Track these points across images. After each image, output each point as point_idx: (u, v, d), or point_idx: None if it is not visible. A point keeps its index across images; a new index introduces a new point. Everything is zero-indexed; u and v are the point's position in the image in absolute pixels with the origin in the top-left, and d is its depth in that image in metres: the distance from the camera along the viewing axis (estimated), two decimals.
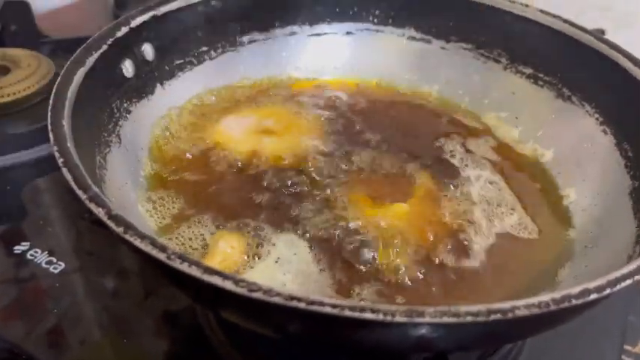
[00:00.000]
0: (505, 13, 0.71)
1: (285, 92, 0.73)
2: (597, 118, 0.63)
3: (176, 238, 0.52)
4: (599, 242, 0.52)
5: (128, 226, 0.36)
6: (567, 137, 0.65)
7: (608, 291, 0.34)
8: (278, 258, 0.49)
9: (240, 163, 0.60)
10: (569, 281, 0.49)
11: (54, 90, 0.49)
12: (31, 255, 0.63)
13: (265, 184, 0.57)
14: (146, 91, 0.64)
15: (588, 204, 0.58)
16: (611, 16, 1.06)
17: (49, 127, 0.44)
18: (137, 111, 0.62)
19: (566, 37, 0.66)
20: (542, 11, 0.69)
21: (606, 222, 0.54)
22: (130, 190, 0.55)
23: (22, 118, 0.82)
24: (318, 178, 0.59)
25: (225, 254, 0.47)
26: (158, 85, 0.66)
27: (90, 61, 0.54)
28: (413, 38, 0.78)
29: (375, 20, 0.78)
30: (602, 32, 0.93)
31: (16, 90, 0.85)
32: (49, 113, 0.45)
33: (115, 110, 0.59)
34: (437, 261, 0.51)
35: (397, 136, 0.67)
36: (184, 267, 0.33)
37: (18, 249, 0.64)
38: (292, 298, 0.32)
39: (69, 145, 0.43)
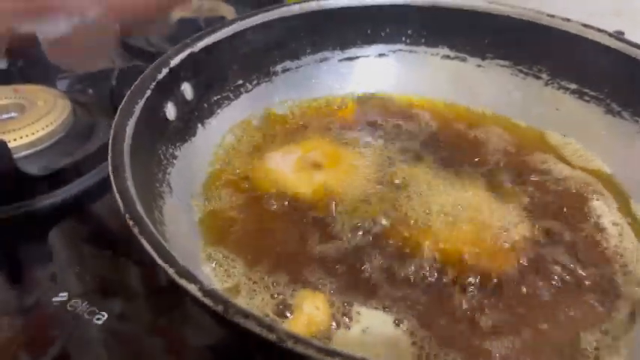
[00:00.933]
0: (544, 28, 0.70)
1: (324, 121, 0.71)
2: None
3: (246, 301, 0.49)
4: None
5: (227, 304, 0.34)
6: (623, 153, 0.63)
7: None
8: (366, 327, 0.46)
9: (296, 205, 0.57)
10: None
11: (110, 149, 0.46)
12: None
13: (334, 230, 0.55)
14: (189, 133, 0.62)
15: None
16: (625, 18, 1.05)
17: (117, 195, 0.41)
18: (182, 155, 0.59)
19: (612, 51, 0.65)
20: (585, 25, 0.67)
21: None
22: (189, 246, 0.52)
23: (39, 158, 0.79)
24: (389, 220, 0.56)
25: (310, 317, 0.45)
26: (199, 125, 0.63)
27: (137, 109, 0.52)
28: (447, 57, 0.76)
29: (408, 41, 0.76)
30: (622, 33, 0.93)
31: (34, 130, 0.82)
32: (113, 179, 0.42)
33: (162, 157, 0.56)
34: None
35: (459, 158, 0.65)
36: (306, 350, 0.31)
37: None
38: None
39: (140, 211, 0.41)
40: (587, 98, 0.68)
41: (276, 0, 1.06)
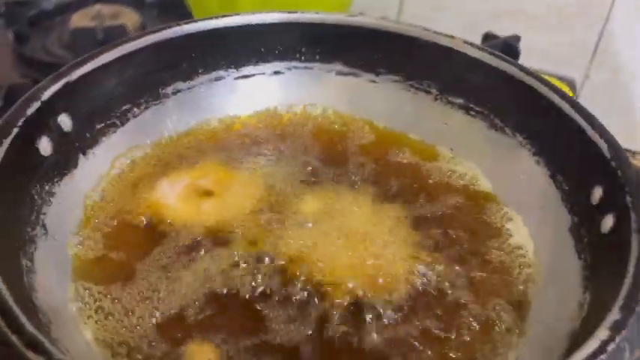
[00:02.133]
0: (430, 45, 0.71)
1: (218, 144, 0.70)
2: (529, 149, 0.65)
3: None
4: (547, 288, 0.54)
5: None
6: (504, 169, 0.66)
7: None
8: None
9: (184, 242, 0.56)
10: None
11: None
12: None
13: (217, 271, 0.54)
14: (68, 166, 0.59)
15: (532, 242, 0.59)
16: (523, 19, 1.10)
17: None
18: (61, 190, 0.57)
19: (492, 69, 0.67)
20: (467, 42, 0.69)
21: (552, 263, 0.56)
22: (62, 289, 0.50)
23: None
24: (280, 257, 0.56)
25: None
26: (80, 155, 0.61)
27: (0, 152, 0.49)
28: (341, 73, 0.76)
29: (303, 57, 0.76)
30: (518, 39, 0.97)
31: None
32: None
33: (36, 197, 0.54)
34: None
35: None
36: None
37: None
38: None
39: None
40: (472, 113, 0.70)
41: (182, 12, 1.04)
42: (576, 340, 0.43)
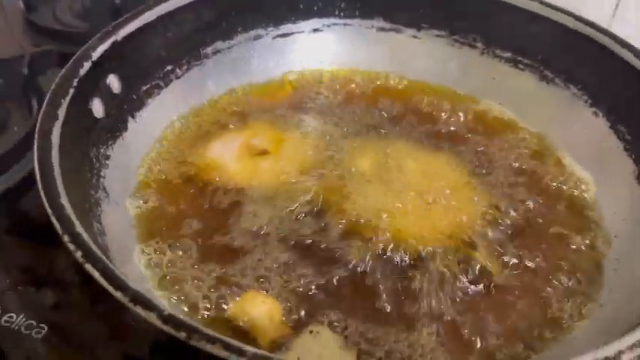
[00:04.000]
0: None
1: (263, 104, 0.68)
2: (585, 101, 0.64)
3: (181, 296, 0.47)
4: (621, 236, 0.53)
5: (190, 330, 0.32)
6: (558, 121, 0.65)
7: None
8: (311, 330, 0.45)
9: (237, 196, 0.55)
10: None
11: (37, 163, 0.42)
12: None
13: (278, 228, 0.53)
14: (119, 129, 0.57)
15: (599, 192, 0.58)
16: None
17: (54, 219, 0.37)
18: (115, 154, 0.55)
19: (543, 19, 0.66)
20: None
21: (621, 211, 0.55)
22: (127, 244, 0.49)
23: None
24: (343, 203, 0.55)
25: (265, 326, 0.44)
26: (130, 118, 0.59)
27: (61, 112, 0.47)
28: (382, 29, 0.74)
29: (342, 14, 0.74)
30: None
31: None
32: (46, 201, 0.38)
33: (94, 160, 0.52)
34: None
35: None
36: None
37: None
38: None
39: (79, 231, 0.37)
40: (521, 66, 0.69)
41: None
42: None
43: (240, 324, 0.45)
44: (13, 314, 0.54)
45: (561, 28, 0.64)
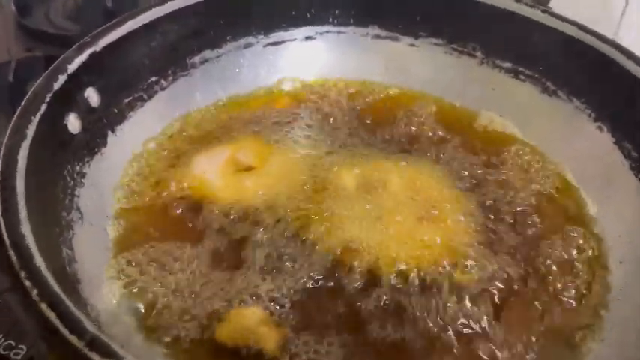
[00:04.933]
0: (475, 4, 0.66)
1: (251, 116, 0.65)
2: (589, 115, 0.60)
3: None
4: (624, 258, 0.50)
5: None
6: (560, 135, 0.62)
7: None
8: None
9: (228, 219, 0.53)
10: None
11: None
12: None
13: (260, 239, 0.50)
14: (97, 144, 0.55)
15: (601, 211, 0.55)
16: None
17: (10, 249, 0.35)
18: (92, 171, 0.53)
19: (546, 28, 0.63)
20: (518, 1, 0.64)
21: (625, 232, 0.52)
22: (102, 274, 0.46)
23: None
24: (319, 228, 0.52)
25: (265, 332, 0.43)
26: (109, 132, 0.56)
27: (31, 129, 0.45)
28: (378, 37, 0.71)
29: (336, 21, 0.71)
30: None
31: None
32: (4, 227, 0.36)
33: (68, 178, 0.49)
34: None
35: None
36: None
37: None
38: None
39: (38, 264, 0.35)
40: (522, 77, 0.66)
41: None
42: None
43: (236, 342, 0.43)
44: None
45: (564, 37, 0.61)
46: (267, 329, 0.43)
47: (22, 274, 0.34)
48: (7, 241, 0.35)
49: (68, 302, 0.32)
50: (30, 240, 0.36)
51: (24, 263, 0.34)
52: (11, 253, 0.35)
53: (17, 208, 0.38)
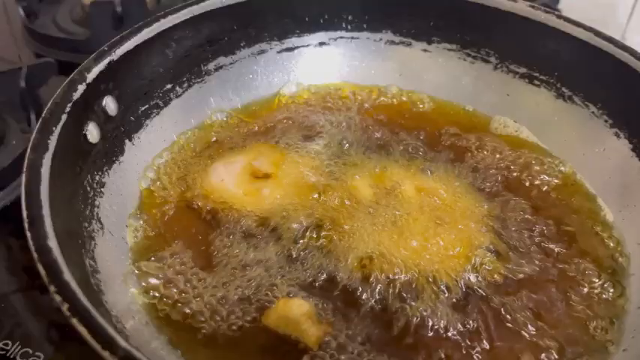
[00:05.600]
0: (491, 9, 0.66)
1: (266, 122, 0.66)
2: (606, 120, 0.60)
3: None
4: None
5: None
6: (576, 141, 0.62)
7: None
8: None
9: (246, 227, 0.53)
10: None
11: (24, 199, 0.39)
12: None
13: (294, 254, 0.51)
14: (115, 153, 0.55)
15: (619, 220, 0.55)
16: None
17: (40, 265, 0.35)
18: (111, 181, 0.53)
19: (560, 33, 0.62)
20: (533, 6, 0.64)
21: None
22: (126, 282, 0.46)
23: None
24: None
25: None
26: (127, 141, 0.56)
27: (52, 141, 0.45)
28: (392, 42, 0.71)
29: (349, 27, 0.71)
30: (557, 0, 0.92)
31: None
32: (32, 241, 0.36)
33: (88, 188, 0.49)
34: None
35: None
36: None
37: None
38: None
39: (67, 279, 0.35)
40: (537, 82, 0.66)
41: None
42: None
43: (280, 332, 0.44)
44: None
45: (579, 43, 0.61)
46: (311, 324, 0.44)
47: (52, 288, 0.34)
48: (35, 255, 0.35)
49: (100, 318, 0.32)
50: (57, 253, 0.36)
51: (53, 278, 0.34)
52: (40, 267, 0.35)
53: (43, 221, 0.38)
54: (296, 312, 0.44)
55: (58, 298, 0.33)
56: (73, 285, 0.34)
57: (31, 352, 0.52)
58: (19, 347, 0.58)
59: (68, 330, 0.31)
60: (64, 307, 0.33)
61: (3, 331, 0.51)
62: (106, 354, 0.31)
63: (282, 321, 0.44)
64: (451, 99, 0.70)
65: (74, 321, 0.32)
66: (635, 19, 1.01)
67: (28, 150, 0.43)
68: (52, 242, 0.37)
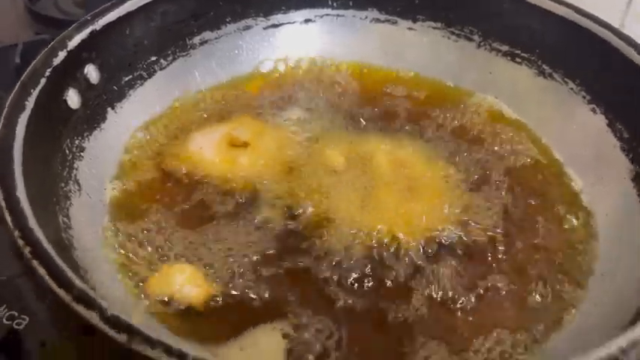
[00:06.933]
0: None
1: (248, 96, 0.67)
2: (584, 97, 0.61)
3: None
4: (612, 239, 0.51)
5: (132, 332, 0.31)
6: (554, 116, 0.62)
7: None
8: None
9: (220, 193, 0.54)
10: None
11: None
12: None
13: (257, 219, 0.52)
14: (97, 120, 0.56)
15: (591, 192, 0.56)
16: None
17: (4, 206, 0.36)
18: (91, 146, 0.54)
19: (542, 11, 0.63)
20: None
21: (614, 212, 0.53)
22: (97, 243, 0.48)
23: None
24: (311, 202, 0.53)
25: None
26: (109, 109, 0.58)
27: (30, 102, 0.46)
28: (377, 20, 0.72)
29: (335, 4, 0.71)
30: None
31: None
32: (1, 192, 0.37)
33: (67, 151, 0.51)
34: None
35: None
36: None
37: None
38: None
39: (32, 226, 0.36)
40: (519, 60, 0.66)
41: None
42: None
43: (166, 298, 0.45)
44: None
45: (560, 20, 0.61)
46: (195, 288, 0.45)
47: (16, 233, 0.35)
48: (3, 203, 0.37)
49: (60, 261, 0.34)
50: (25, 205, 0.38)
51: (18, 223, 0.36)
52: (7, 214, 0.36)
53: (13, 175, 0.40)
54: (177, 277, 0.45)
55: (20, 242, 0.35)
56: (38, 232, 0.36)
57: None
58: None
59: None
60: (26, 250, 0.34)
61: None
62: (61, 292, 0.32)
63: (164, 286, 0.45)
64: (434, 76, 0.70)
65: (34, 263, 0.33)
66: (634, 6, 1.00)
67: (5, 109, 0.44)
68: (21, 193, 0.38)
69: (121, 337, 0.30)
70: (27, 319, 0.54)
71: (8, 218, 0.36)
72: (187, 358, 0.29)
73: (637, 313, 0.40)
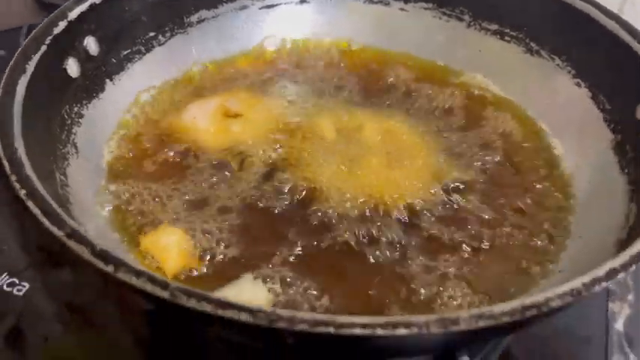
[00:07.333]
0: None
1: (242, 71, 0.69)
2: (569, 71, 0.62)
3: None
4: (591, 204, 0.52)
5: (118, 264, 0.33)
6: (540, 91, 0.64)
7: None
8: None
9: (212, 160, 0.56)
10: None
11: None
12: None
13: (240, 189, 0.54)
14: (95, 90, 0.58)
15: (574, 161, 0.57)
16: None
17: (2, 155, 0.38)
18: (89, 114, 0.56)
19: None
20: None
21: (594, 179, 0.54)
22: (93, 203, 0.50)
23: None
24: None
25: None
26: (107, 80, 0.60)
27: (30, 66, 0.48)
28: (370, 1, 0.74)
29: None
30: None
31: None
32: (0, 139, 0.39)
33: (66, 117, 0.53)
34: None
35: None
36: (193, 303, 0.30)
37: None
38: (318, 323, 0.29)
39: (29, 173, 0.38)
40: (507, 38, 0.68)
41: None
42: (623, 247, 0.42)
43: (149, 256, 0.47)
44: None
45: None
46: (174, 254, 0.47)
47: (13, 177, 0.37)
48: (1, 151, 0.39)
49: (55, 205, 0.36)
50: (23, 155, 0.40)
51: (15, 170, 0.38)
52: (5, 162, 0.38)
53: (12, 129, 0.42)
54: (165, 239, 0.47)
55: (16, 185, 0.37)
56: (34, 179, 0.38)
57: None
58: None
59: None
60: (22, 193, 0.36)
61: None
62: (54, 229, 0.34)
63: (152, 245, 0.47)
64: (425, 56, 0.72)
65: (30, 204, 0.35)
66: None
67: (7, 72, 0.47)
68: (20, 146, 0.40)
69: (109, 268, 0.32)
70: (27, 285, 0.57)
71: (6, 164, 0.38)
72: (169, 286, 0.31)
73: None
